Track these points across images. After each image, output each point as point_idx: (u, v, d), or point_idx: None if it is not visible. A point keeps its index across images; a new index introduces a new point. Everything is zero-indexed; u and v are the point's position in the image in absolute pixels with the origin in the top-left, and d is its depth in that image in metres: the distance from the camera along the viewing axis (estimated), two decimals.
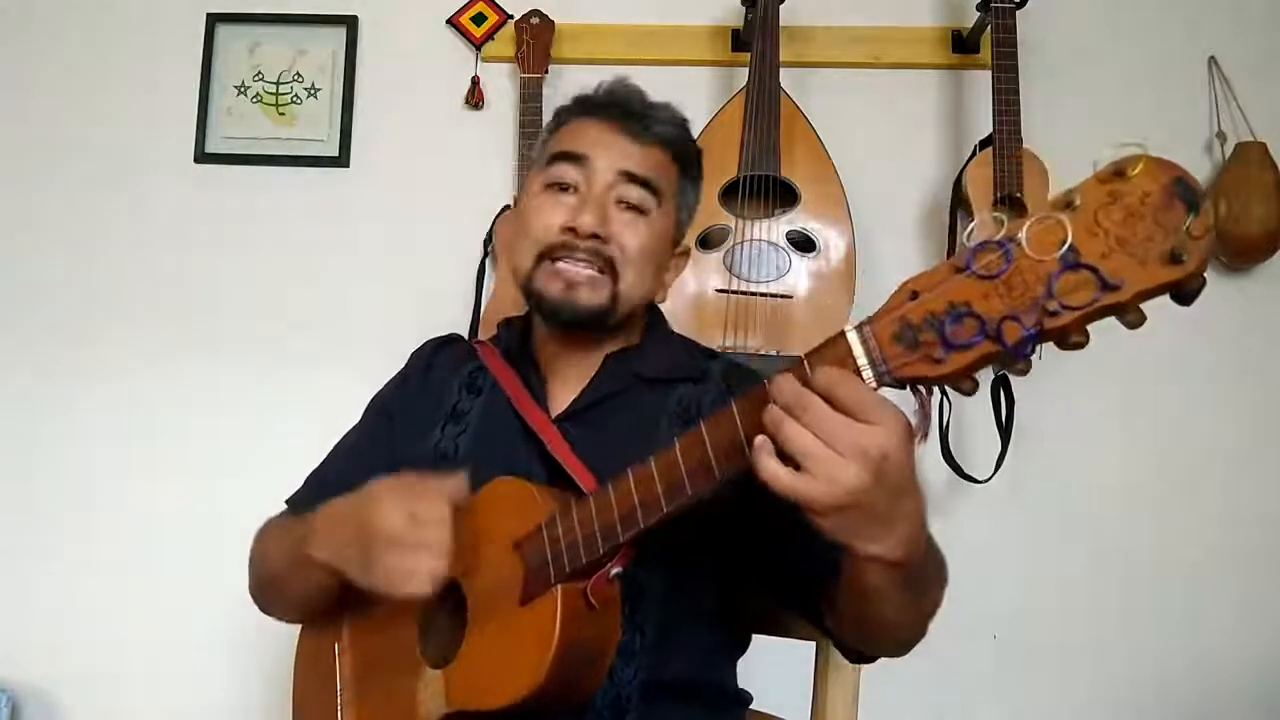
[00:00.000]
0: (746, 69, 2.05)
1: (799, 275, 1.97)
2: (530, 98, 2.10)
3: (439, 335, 1.33)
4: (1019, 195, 1.91)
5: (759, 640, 1.25)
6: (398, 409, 1.26)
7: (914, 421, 0.73)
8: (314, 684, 1.19)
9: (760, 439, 0.73)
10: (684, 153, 1.19)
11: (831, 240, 1.99)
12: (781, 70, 2.03)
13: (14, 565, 2.16)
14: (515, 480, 1.01)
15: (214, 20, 2.28)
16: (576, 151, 1.14)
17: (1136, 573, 2.06)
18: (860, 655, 1.05)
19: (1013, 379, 1.98)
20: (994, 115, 1.98)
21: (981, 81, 2.08)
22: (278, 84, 2.26)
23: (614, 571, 0.92)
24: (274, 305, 2.21)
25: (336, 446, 1.30)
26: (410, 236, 2.21)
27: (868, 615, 0.89)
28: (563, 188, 1.14)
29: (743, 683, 1.20)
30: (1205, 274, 0.62)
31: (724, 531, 1.01)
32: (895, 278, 0.73)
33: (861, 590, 0.84)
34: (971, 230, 0.70)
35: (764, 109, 1.99)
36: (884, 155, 2.16)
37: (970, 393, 0.71)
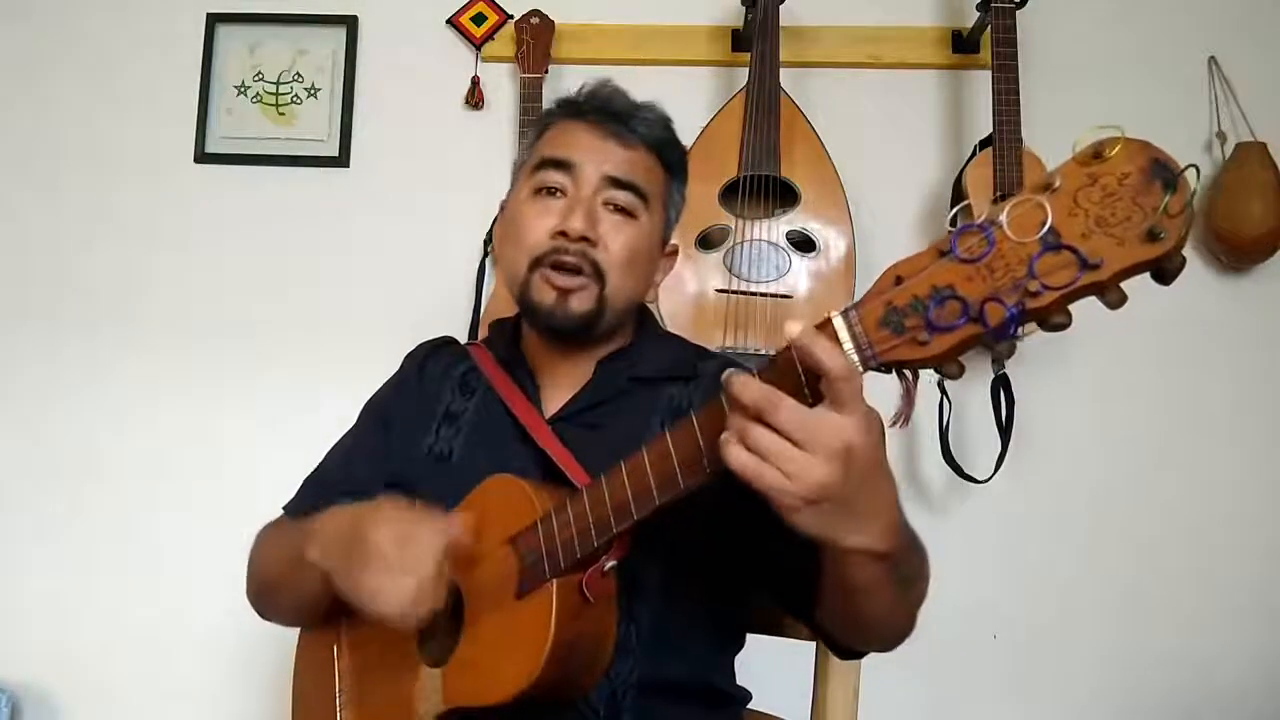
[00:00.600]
0: (746, 69, 2.05)
1: (799, 275, 1.97)
2: (530, 98, 2.10)
3: (432, 338, 1.33)
4: None
5: (759, 640, 1.25)
6: (392, 412, 1.26)
7: (897, 407, 0.74)
8: (313, 683, 1.19)
9: (727, 433, 0.74)
10: (670, 154, 1.20)
11: (831, 240, 1.99)
12: (781, 70, 2.03)
13: (14, 565, 2.16)
14: (509, 478, 1.01)
15: (214, 20, 2.29)
16: (563, 158, 1.14)
17: (1137, 572, 2.06)
18: (851, 652, 1.05)
19: (1013, 379, 1.98)
20: (994, 115, 1.97)
21: (981, 81, 2.07)
22: (278, 84, 2.26)
23: (609, 565, 0.92)
24: (274, 305, 2.21)
25: (332, 450, 1.30)
26: (410, 236, 2.21)
27: (857, 611, 0.89)
28: (550, 192, 1.14)
29: (742, 682, 1.20)
30: (1184, 252, 0.63)
31: (717, 526, 1.01)
32: None
33: (849, 587, 0.84)
34: (955, 215, 0.70)
35: (764, 109, 1.99)
36: (884, 155, 2.16)
37: (956, 376, 0.71)
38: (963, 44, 2.18)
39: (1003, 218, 0.66)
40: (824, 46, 2.20)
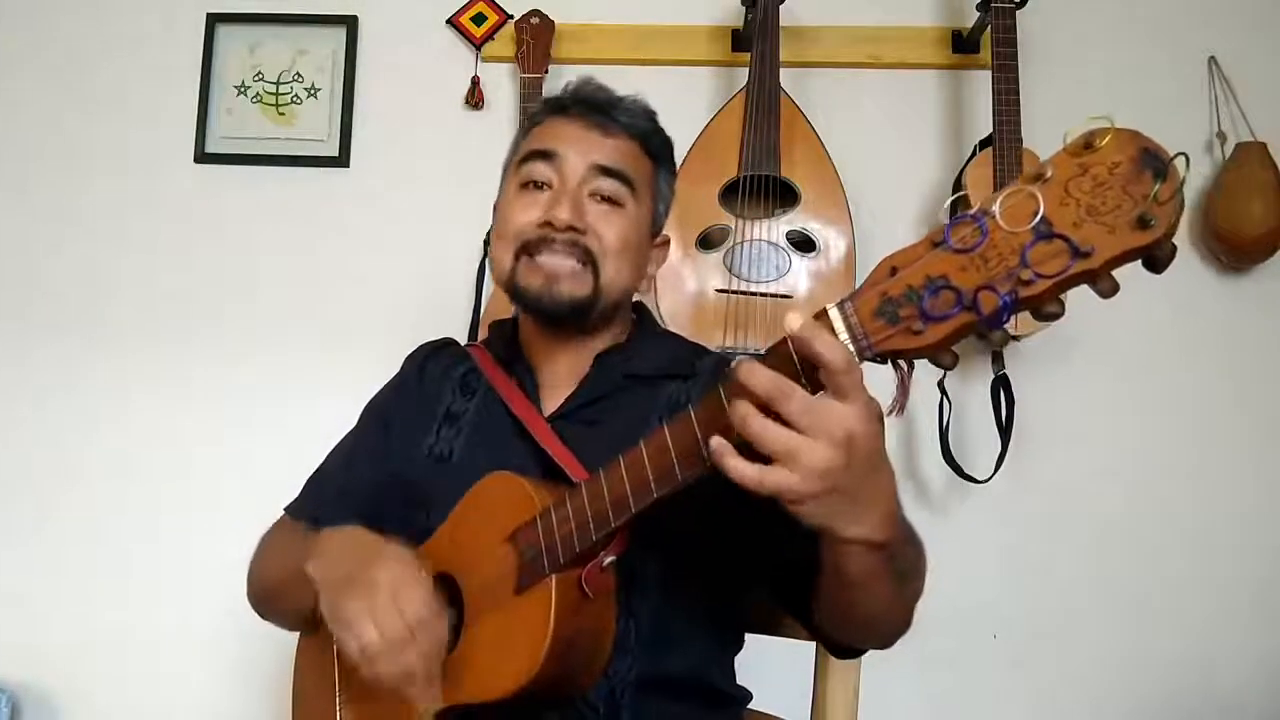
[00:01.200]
0: (746, 69, 2.05)
1: (799, 275, 1.97)
2: (530, 98, 2.10)
3: (432, 339, 1.34)
4: None
5: (759, 640, 1.25)
6: (393, 413, 1.26)
7: (893, 396, 0.74)
8: (313, 683, 1.19)
9: (715, 440, 0.74)
10: (654, 143, 1.21)
11: (831, 240, 1.99)
12: (781, 70, 2.03)
13: (14, 565, 2.16)
14: (508, 475, 1.01)
15: (214, 20, 2.29)
16: (547, 149, 1.15)
17: (1137, 572, 2.05)
18: (848, 650, 1.05)
19: (1013, 379, 1.98)
20: (994, 115, 1.97)
21: (981, 81, 2.08)
22: (278, 84, 2.26)
23: (608, 561, 0.92)
24: (274, 305, 2.22)
25: (333, 452, 1.30)
26: (410, 236, 2.22)
27: (854, 606, 0.89)
28: (536, 185, 1.15)
29: (742, 682, 1.20)
30: (1183, 252, 0.63)
31: (715, 520, 1.01)
32: None
33: (846, 581, 0.84)
34: (951, 205, 0.71)
35: (764, 109, 1.99)
36: (884, 155, 2.16)
37: (950, 366, 0.72)
38: (963, 44, 2.18)
39: (995, 208, 0.66)
40: (824, 46, 2.20)
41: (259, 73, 2.27)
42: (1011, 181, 0.67)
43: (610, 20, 2.23)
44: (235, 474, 2.14)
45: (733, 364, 0.74)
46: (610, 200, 1.14)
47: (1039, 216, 0.65)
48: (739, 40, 2.20)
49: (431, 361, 1.28)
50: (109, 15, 2.32)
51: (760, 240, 1.98)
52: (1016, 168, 1.92)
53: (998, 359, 1.99)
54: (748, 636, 1.23)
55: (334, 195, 2.24)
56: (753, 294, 1.96)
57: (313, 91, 2.26)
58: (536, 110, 1.23)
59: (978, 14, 2.09)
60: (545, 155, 1.15)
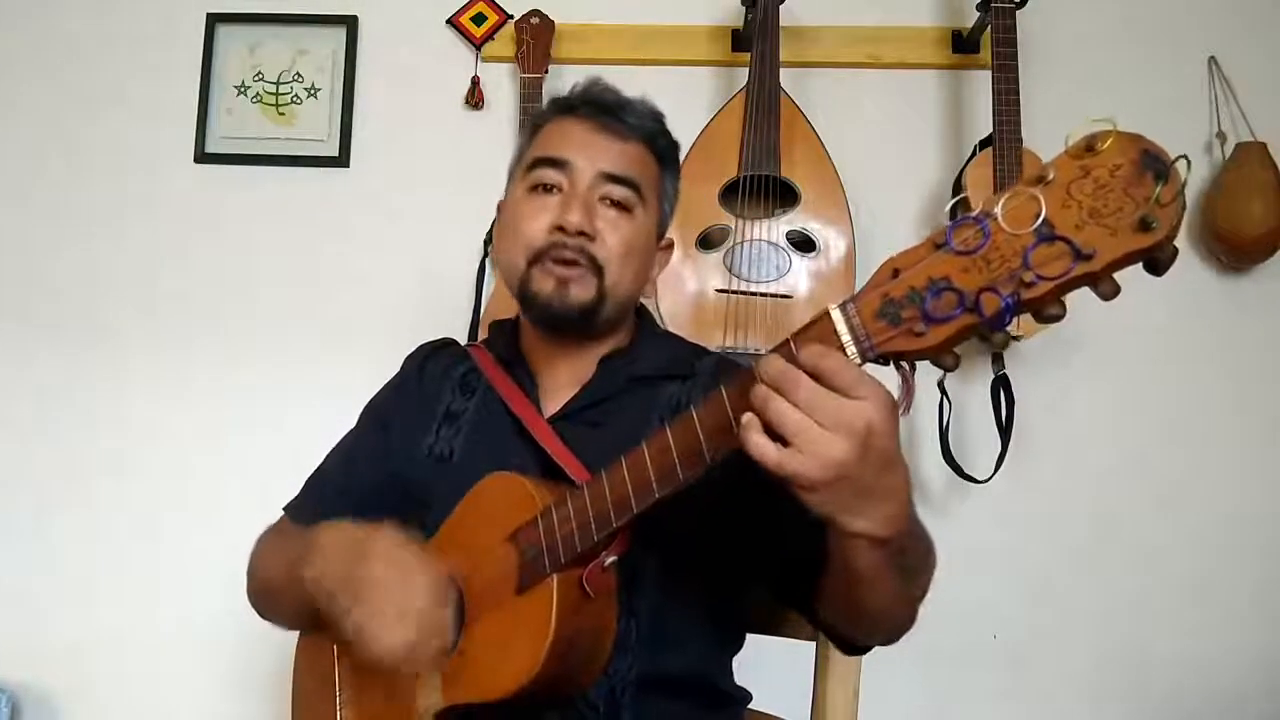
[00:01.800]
0: (746, 69, 2.05)
1: (799, 275, 1.97)
2: (530, 98, 2.10)
3: (432, 339, 1.34)
4: None
5: (759, 640, 1.25)
6: (393, 413, 1.26)
7: (898, 396, 0.74)
8: (314, 683, 1.19)
9: (748, 416, 0.74)
10: (662, 147, 1.21)
11: (831, 240, 1.99)
12: (781, 70, 2.03)
13: (14, 565, 2.16)
14: (509, 475, 1.01)
15: (214, 20, 2.29)
16: (557, 156, 1.15)
17: (1136, 573, 2.06)
18: (853, 646, 1.05)
19: (1013, 379, 1.98)
20: (994, 115, 1.97)
21: (981, 81, 2.08)
22: (278, 84, 2.27)
23: (609, 560, 0.92)
24: (274, 305, 2.22)
25: (332, 452, 1.30)
26: (410, 237, 2.22)
27: (858, 601, 0.89)
28: (546, 189, 1.15)
29: (742, 682, 1.20)
30: (1184, 252, 0.63)
31: (717, 519, 1.01)
32: None
33: (851, 575, 0.83)
34: (953, 207, 0.71)
35: (764, 109, 1.99)
36: (884, 155, 2.16)
37: (952, 368, 0.72)
38: (963, 44, 2.18)
39: (997, 210, 0.66)
40: (824, 46, 2.21)
41: (259, 73, 2.27)
42: (1013, 183, 0.67)
43: (610, 20, 2.23)
44: (235, 474, 2.14)
45: (756, 364, 0.74)
46: (619, 206, 1.14)
47: (1041, 219, 0.65)
48: (739, 40, 2.20)
49: (431, 361, 1.28)
50: (109, 15, 2.32)
51: (760, 240, 1.98)
52: (1016, 168, 1.92)
53: (998, 359, 1.99)
54: (748, 636, 1.23)
55: (334, 195, 2.24)
56: (753, 294, 1.96)
57: (313, 91, 2.26)
58: (544, 109, 1.23)
59: (978, 14, 2.09)
60: (555, 163, 1.15)
